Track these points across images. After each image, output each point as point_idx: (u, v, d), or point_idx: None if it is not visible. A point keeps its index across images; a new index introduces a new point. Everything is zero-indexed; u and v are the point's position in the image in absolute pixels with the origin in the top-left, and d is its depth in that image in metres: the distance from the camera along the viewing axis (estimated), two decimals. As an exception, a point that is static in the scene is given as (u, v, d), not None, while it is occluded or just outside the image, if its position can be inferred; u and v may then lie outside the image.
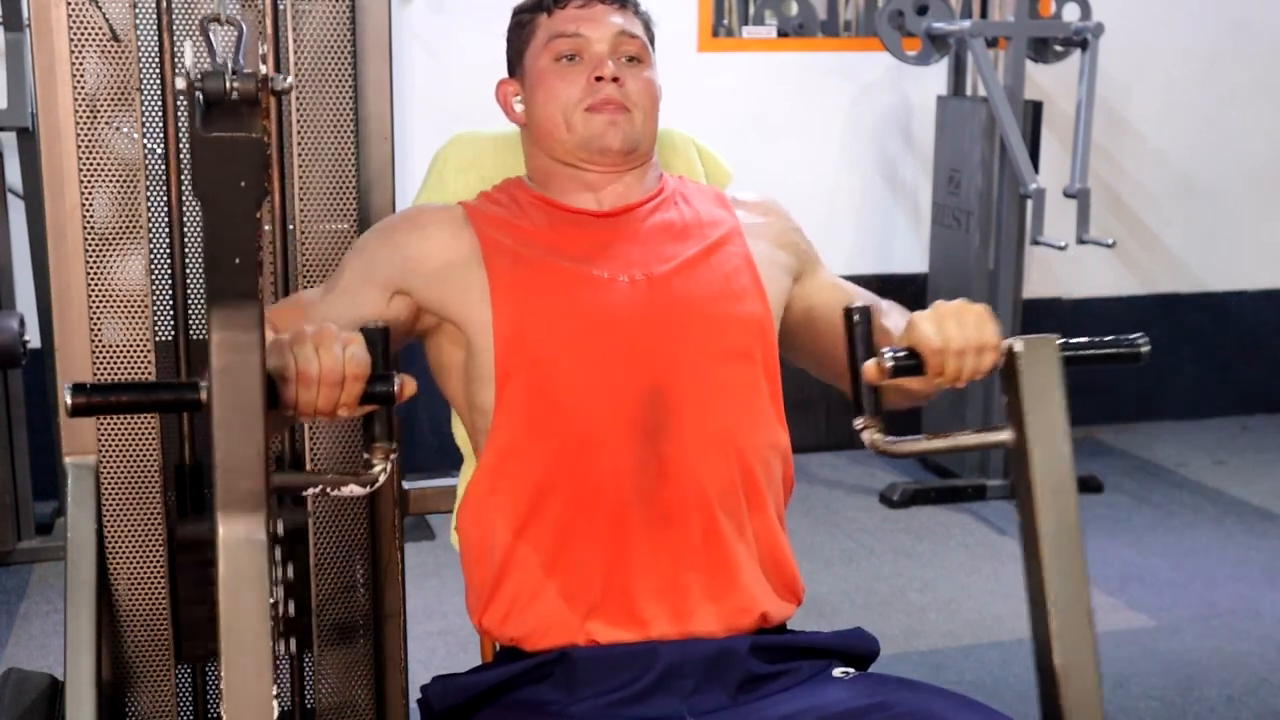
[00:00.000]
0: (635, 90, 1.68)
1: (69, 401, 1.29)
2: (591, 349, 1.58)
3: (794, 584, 1.67)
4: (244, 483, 1.21)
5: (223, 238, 1.22)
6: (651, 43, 1.75)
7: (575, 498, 1.57)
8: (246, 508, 1.21)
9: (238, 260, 1.22)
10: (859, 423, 1.47)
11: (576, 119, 1.67)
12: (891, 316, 1.67)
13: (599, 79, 1.67)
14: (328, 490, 1.39)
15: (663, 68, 1.77)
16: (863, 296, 1.73)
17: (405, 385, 1.34)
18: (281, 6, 1.81)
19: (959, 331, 1.45)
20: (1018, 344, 1.46)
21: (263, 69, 1.25)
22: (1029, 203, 3.94)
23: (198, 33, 1.79)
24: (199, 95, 1.21)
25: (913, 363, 1.46)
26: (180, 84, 1.22)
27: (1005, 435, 1.47)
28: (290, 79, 1.28)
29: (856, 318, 1.47)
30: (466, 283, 1.62)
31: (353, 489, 1.37)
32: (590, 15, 1.70)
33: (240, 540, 1.21)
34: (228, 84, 1.21)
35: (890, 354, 1.45)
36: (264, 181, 1.22)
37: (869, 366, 1.44)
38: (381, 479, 1.38)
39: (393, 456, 1.38)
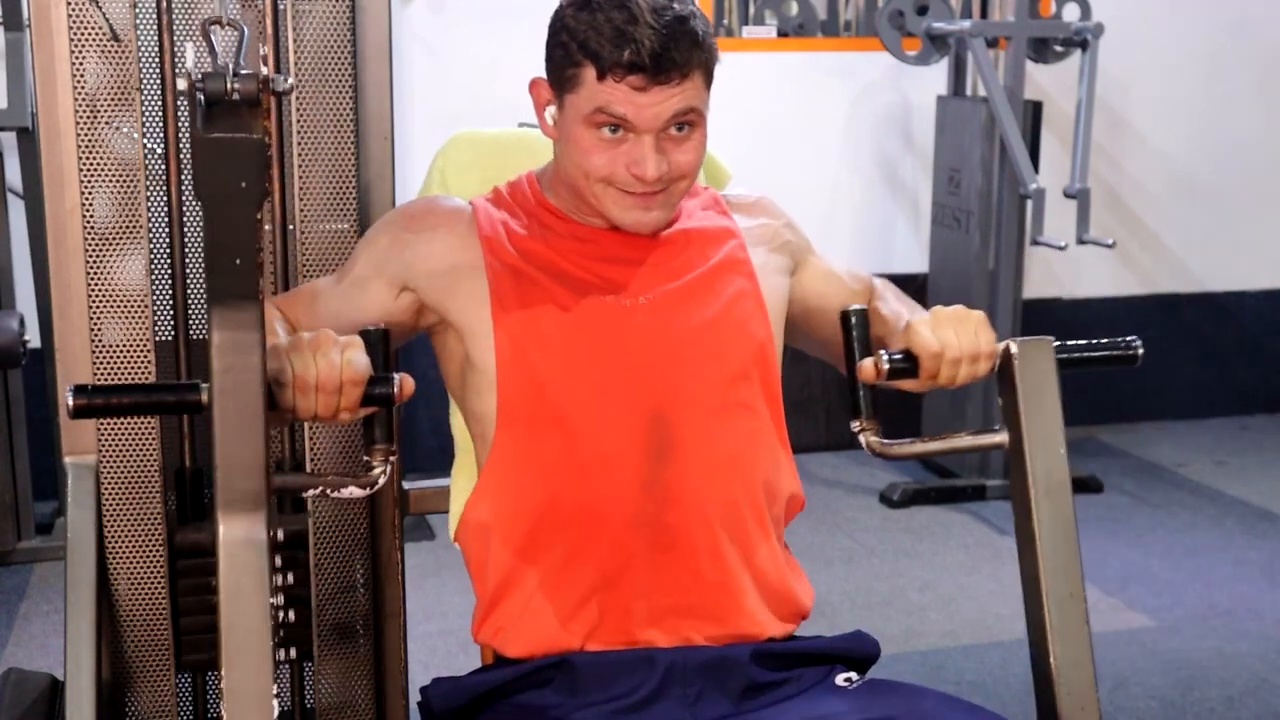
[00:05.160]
0: (679, 165, 1.55)
1: (70, 403, 1.31)
2: (594, 372, 1.57)
3: (801, 610, 1.65)
4: (244, 483, 1.22)
5: (223, 239, 1.22)
6: (710, 80, 1.56)
7: (576, 520, 1.56)
8: (247, 508, 1.22)
9: (238, 261, 1.22)
10: (856, 425, 1.51)
11: (607, 196, 1.57)
12: (889, 302, 1.69)
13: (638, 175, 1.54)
14: (328, 492, 1.40)
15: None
16: (858, 281, 1.76)
17: (405, 385, 1.35)
18: (281, 6, 1.81)
19: (956, 339, 1.48)
20: (1014, 346, 1.48)
21: (263, 70, 1.23)
22: (1029, 203, 3.94)
23: (199, 34, 1.78)
24: (200, 96, 1.22)
25: (908, 366, 1.49)
26: (181, 84, 1.22)
27: (1001, 437, 1.49)
28: (291, 80, 1.28)
29: (854, 320, 1.51)
30: (470, 291, 1.59)
31: (352, 491, 1.39)
32: (643, 102, 1.51)
33: (241, 541, 1.21)
34: (229, 85, 1.21)
35: (887, 356, 1.49)
36: (265, 182, 1.23)
37: (865, 366, 1.48)
38: (381, 481, 1.39)
39: (392, 459, 1.40)
